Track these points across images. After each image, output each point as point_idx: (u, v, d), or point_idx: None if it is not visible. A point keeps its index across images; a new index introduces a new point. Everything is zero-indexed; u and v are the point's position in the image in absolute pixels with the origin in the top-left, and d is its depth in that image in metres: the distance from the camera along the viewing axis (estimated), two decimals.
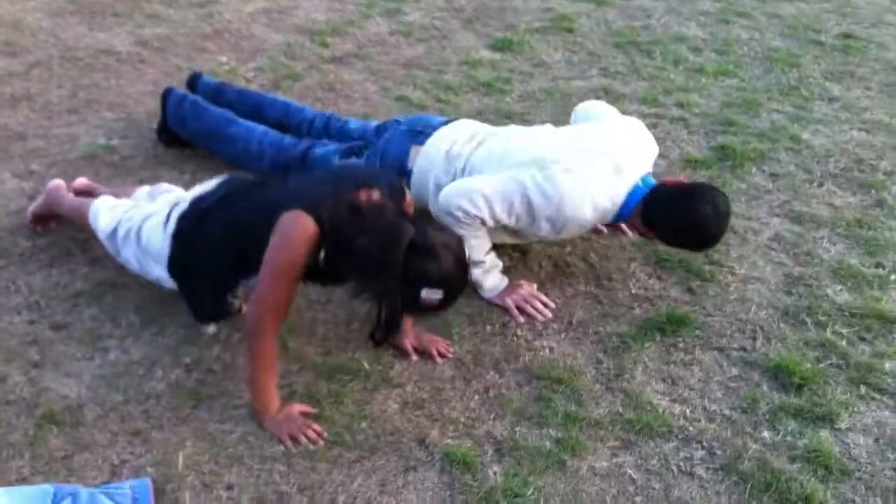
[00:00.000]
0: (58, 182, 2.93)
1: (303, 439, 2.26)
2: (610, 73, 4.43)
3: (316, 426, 2.30)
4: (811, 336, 2.75)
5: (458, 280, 2.26)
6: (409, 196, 2.52)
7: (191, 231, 2.46)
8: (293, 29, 4.61)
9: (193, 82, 3.58)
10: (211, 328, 2.60)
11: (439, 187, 2.79)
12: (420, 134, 2.94)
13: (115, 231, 2.62)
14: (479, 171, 2.75)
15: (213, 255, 2.42)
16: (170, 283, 2.53)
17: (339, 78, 4.16)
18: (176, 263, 2.48)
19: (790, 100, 4.26)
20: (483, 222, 2.67)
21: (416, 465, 2.25)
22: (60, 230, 2.91)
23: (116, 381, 2.40)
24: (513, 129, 2.98)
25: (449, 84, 4.16)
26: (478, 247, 2.72)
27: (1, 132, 3.44)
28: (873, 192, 3.51)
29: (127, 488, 2.08)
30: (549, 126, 2.96)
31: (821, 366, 2.63)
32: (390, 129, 3.03)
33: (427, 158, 2.88)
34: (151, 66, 4.09)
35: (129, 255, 2.61)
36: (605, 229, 3.12)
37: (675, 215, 2.70)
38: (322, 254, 2.26)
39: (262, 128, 3.24)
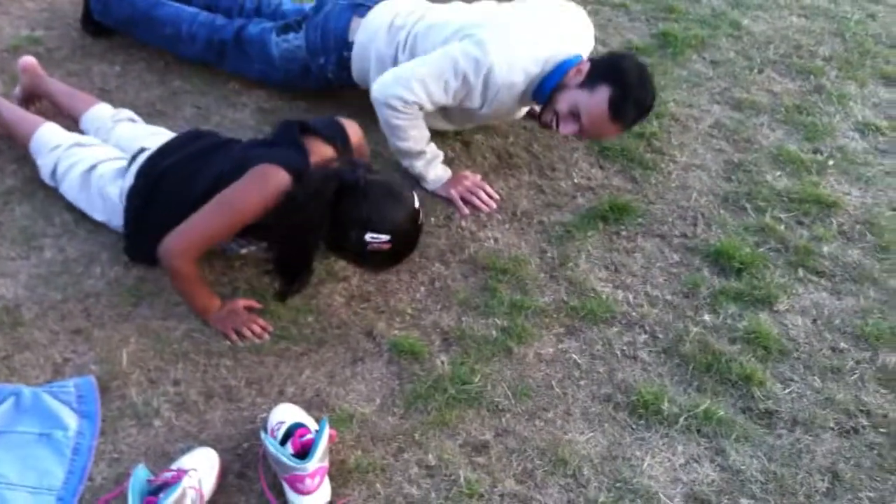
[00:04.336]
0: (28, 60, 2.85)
1: (248, 333, 2.25)
2: None
3: (261, 321, 2.28)
4: (751, 221, 2.79)
5: (404, 222, 2.17)
6: (355, 136, 2.48)
7: (149, 189, 2.34)
8: None
9: None
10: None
11: (381, 60, 2.76)
12: (361, 6, 2.88)
13: (54, 170, 2.51)
14: (422, 42, 2.70)
15: (170, 212, 2.26)
16: (117, 227, 2.43)
17: None
18: (131, 218, 2.36)
19: None
20: (421, 107, 2.61)
21: (364, 357, 2.25)
22: None
23: (54, 280, 2.34)
24: (455, 4, 2.90)
25: None
26: (418, 137, 2.68)
27: None
28: (812, 77, 3.52)
29: (71, 386, 2.06)
30: (492, 2, 2.89)
31: (760, 250, 2.68)
32: (330, 3, 2.95)
33: (369, 30, 2.82)
34: None
35: (69, 192, 2.50)
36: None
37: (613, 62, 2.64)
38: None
39: (191, 9, 3.09)
